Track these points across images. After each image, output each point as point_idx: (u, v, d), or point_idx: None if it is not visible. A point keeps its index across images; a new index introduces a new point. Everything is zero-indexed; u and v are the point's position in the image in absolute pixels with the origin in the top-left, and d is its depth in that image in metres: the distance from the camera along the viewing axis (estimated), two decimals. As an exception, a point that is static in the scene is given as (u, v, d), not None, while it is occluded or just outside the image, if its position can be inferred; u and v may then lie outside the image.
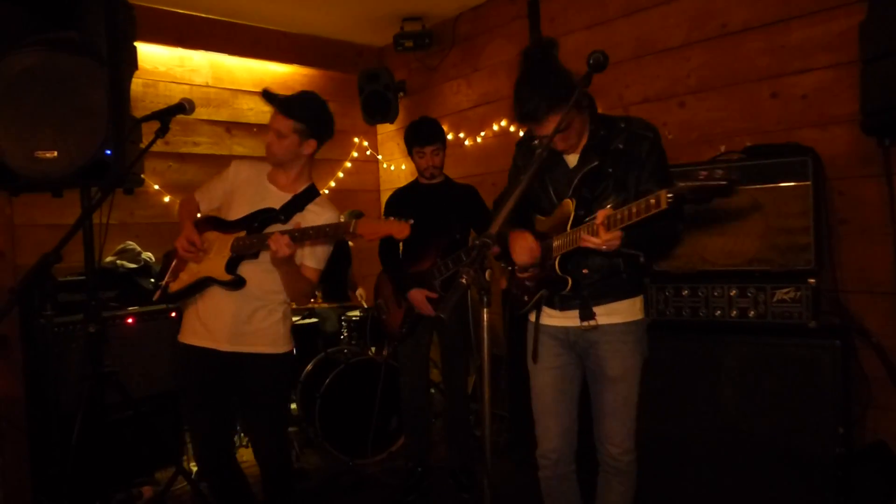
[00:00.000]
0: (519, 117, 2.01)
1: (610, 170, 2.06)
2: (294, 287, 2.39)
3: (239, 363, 2.37)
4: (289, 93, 2.44)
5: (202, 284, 2.38)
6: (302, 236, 2.17)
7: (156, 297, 2.50)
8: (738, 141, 3.03)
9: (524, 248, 2.11)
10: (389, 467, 3.70)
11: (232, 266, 2.34)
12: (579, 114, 2.04)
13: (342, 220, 2.25)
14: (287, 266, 2.27)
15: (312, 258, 2.40)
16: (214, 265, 2.37)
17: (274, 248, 2.15)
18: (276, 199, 2.42)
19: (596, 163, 2.06)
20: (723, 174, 1.61)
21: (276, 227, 2.30)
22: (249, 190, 2.46)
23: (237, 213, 2.42)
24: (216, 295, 2.38)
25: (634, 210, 1.77)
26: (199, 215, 2.52)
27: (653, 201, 1.72)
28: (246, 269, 2.36)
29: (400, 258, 3.36)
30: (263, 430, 2.46)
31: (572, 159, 2.15)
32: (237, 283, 2.34)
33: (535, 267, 2.17)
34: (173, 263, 2.51)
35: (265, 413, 2.45)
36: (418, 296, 3.15)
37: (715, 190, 1.62)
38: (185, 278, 2.43)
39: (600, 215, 1.85)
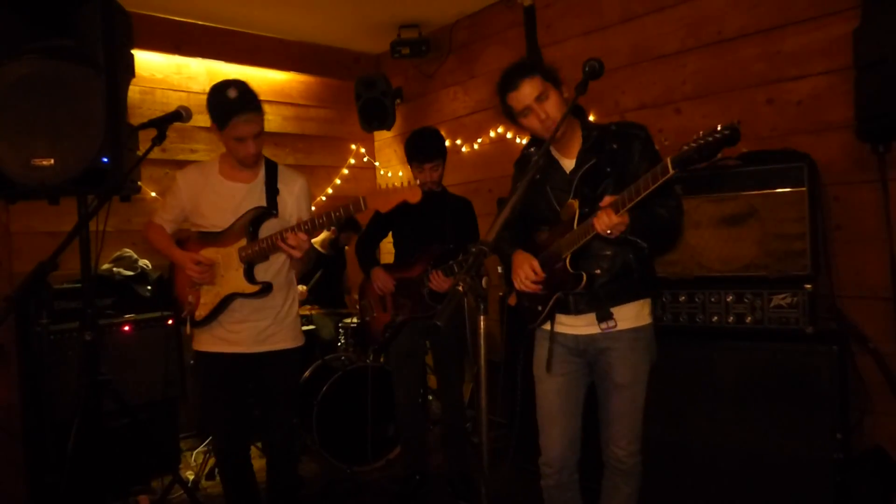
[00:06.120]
0: (497, 87, 2.10)
1: (608, 169, 2.09)
2: (307, 261, 2.49)
3: (262, 360, 2.47)
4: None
5: (228, 301, 2.42)
6: (315, 227, 2.22)
7: (187, 331, 2.51)
8: (734, 147, 3.03)
9: (527, 276, 2.11)
10: (388, 474, 3.68)
11: (250, 275, 2.39)
12: (556, 90, 2.07)
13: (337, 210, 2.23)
14: (306, 255, 2.36)
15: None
16: (232, 280, 2.39)
17: (296, 252, 2.22)
18: (246, 192, 2.44)
19: (594, 160, 2.09)
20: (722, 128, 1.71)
21: (272, 223, 2.38)
22: (212, 191, 2.45)
23: (211, 217, 2.43)
24: (237, 305, 2.43)
25: (642, 185, 1.80)
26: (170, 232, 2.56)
27: (658, 170, 1.76)
28: (259, 271, 2.42)
29: (374, 250, 3.38)
30: (280, 421, 2.55)
31: (568, 164, 2.16)
32: (266, 290, 2.40)
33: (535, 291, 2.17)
34: (184, 291, 2.48)
35: (283, 404, 2.55)
36: (380, 274, 3.19)
37: (719, 142, 1.72)
38: (208, 301, 2.44)
39: (606, 200, 1.88)
